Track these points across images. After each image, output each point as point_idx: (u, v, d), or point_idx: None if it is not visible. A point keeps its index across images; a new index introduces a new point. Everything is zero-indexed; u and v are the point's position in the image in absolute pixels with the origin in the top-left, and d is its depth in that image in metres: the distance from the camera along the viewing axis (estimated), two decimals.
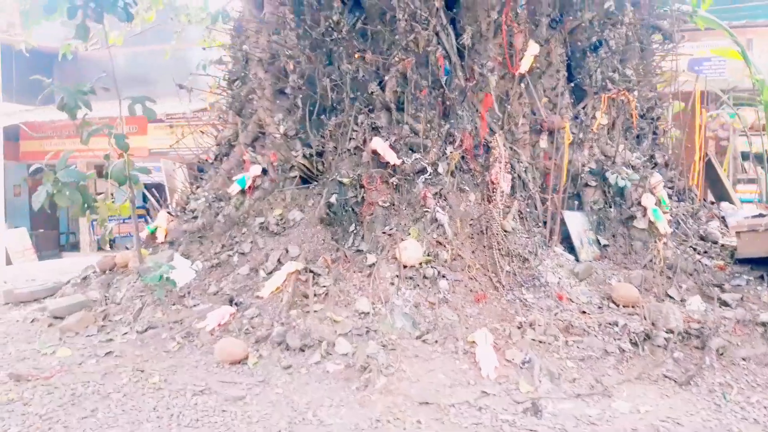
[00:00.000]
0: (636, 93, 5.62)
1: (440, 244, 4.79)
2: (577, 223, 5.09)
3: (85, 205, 5.34)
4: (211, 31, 9.29)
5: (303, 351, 4.00)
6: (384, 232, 4.99)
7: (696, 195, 5.92)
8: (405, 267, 4.62)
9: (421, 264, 4.62)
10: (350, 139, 5.46)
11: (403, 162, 5.03)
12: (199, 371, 3.91)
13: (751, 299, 4.45)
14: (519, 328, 4.05)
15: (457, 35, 5.46)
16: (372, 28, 5.58)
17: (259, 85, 6.19)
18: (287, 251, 5.23)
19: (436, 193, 4.94)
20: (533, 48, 5.36)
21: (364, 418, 3.18)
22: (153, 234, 6.35)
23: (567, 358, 3.76)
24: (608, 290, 4.59)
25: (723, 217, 5.86)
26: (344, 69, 5.58)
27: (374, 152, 5.18)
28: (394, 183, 5.11)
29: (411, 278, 4.61)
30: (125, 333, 4.69)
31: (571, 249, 5.05)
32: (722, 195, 6.59)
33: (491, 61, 5.35)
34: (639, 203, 5.08)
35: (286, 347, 4.04)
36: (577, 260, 4.94)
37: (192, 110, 11.57)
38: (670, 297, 4.55)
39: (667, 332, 3.80)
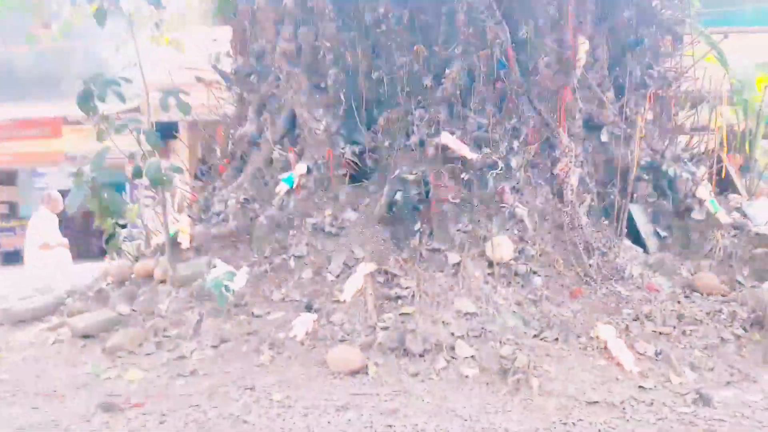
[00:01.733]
0: (673, 89, 5.83)
1: (522, 240, 4.71)
2: (641, 216, 5.19)
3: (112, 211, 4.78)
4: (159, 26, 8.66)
5: (422, 356, 3.77)
6: (459, 230, 4.83)
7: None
8: (495, 264, 4.50)
9: (510, 261, 4.51)
10: (410, 134, 5.24)
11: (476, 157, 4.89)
12: (317, 384, 3.58)
13: None
14: (635, 320, 4.05)
15: (510, 30, 5.39)
16: (425, 20, 5.40)
17: (292, 79, 5.82)
18: (353, 252, 4.94)
19: (513, 188, 4.85)
20: (584, 44, 5.41)
21: (541, 421, 3.03)
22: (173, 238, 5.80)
23: (692, 347, 3.80)
24: (684, 280, 4.70)
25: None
26: (398, 62, 5.36)
27: (441, 147, 5.01)
28: (465, 179, 4.96)
29: (503, 276, 4.49)
30: (194, 349, 4.22)
31: (635, 241, 5.13)
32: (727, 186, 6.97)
33: (548, 55, 5.34)
34: (693, 195, 5.26)
35: (404, 353, 3.78)
36: (646, 252, 5.03)
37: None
38: (740, 283, 4.72)
39: None
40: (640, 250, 5.02)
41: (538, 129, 5.18)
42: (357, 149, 5.48)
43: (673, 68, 6.03)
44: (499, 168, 4.93)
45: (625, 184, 5.14)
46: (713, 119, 6.48)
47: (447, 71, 5.20)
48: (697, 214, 5.17)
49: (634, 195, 5.42)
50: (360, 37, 5.63)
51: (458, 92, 5.17)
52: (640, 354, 3.69)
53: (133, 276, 5.63)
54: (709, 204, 5.14)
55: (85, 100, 4.95)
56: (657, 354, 3.68)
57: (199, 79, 6.60)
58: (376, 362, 3.75)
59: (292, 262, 5.03)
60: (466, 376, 3.52)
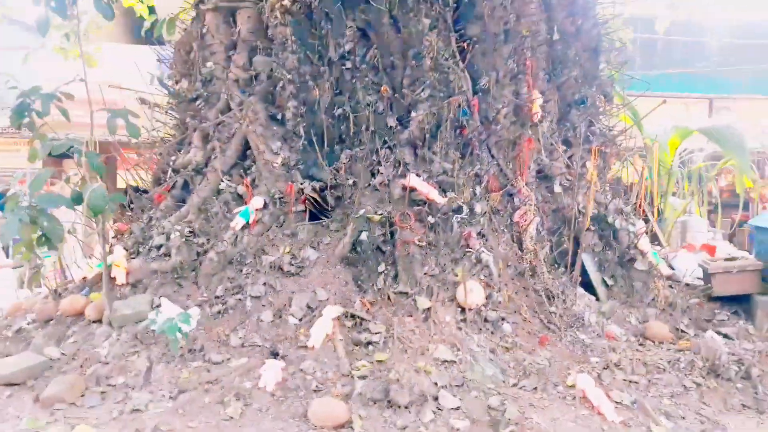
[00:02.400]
0: (614, 145, 6.22)
1: (489, 285, 4.73)
2: (591, 264, 5.40)
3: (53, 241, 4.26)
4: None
5: (407, 408, 3.62)
6: (427, 273, 4.77)
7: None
8: (464, 310, 4.48)
9: (481, 307, 4.51)
10: (375, 173, 5.16)
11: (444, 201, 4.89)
12: None
13: (742, 332, 5.11)
14: (605, 368, 4.15)
15: (472, 78, 5.52)
16: (390, 61, 5.40)
17: (246, 108, 5.57)
18: (315, 294, 4.72)
19: (479, 233, 4.89)
20: (539, 98, 5.65)
21: None
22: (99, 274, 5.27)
23: (661, 396, 3.95)
24: (634, 328, 4.93)
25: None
26: (362, 100, 5.30)
27: (405, 188, 4.96)
28: (430, 222, 4.93)
29: (474, 322, 4.47)
30: (149, 401, 3.78)
31: (586, 289, 5.33)
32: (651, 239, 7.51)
33: (505, 107, 5.51)
34: (635, 247, 5.57)
35: (388, 404, 3.61)
36: (597, 299, 5.23)
37: None
38: (683, 332, 5.03)
39: (734, 364, 4.20)
40: (593, 297, 5.20)
41: (496, 177, 5.29)
42: (317, 185, 5.31)
43: (612, 126, 6.45)
44: (464, 213, 4.96)
45: (576, 233, 5.34)
46: (637, 175, 6.97)
47: (413, 114, 5.21)
48: (639, 265, 5.47)
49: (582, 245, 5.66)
50: (322, 71, 5.53)
51: (424, 136, 5.17)
52: (617, 403, 3.77)
53: (58, 314, 5.02)
54: (651, 256, 5.47)
55: (20, 115, 4.41)
56: (633, 403, 3.78)
57: (143, 101, 6.14)
58: (360, 415, 3.55)
59: (248, 303, 4.72)
60: (457, 429, 3.41)
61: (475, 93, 5.45)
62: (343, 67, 5.46)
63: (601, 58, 6.37)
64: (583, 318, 4.78)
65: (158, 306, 4.70)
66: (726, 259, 5.69)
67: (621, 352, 4.36)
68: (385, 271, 4.90)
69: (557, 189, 5.54)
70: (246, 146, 5.76)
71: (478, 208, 4.98)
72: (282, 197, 5.32)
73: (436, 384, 3.76)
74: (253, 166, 5.71)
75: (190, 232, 5.36)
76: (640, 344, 4.70)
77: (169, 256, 5.26)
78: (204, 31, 6.20)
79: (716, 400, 3.97)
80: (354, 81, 5.38)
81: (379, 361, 4.09)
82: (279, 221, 5.32)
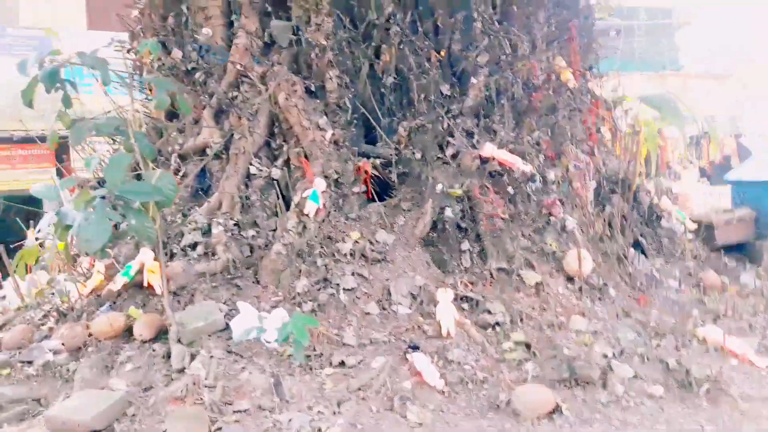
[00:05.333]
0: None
1: None
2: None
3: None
4: None
5: (593, 384, 3.45)
6: (517, 246, 4.59)
7: None
8: (571, 279, 4.41)
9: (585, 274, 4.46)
10: (443, 145, 4.82)
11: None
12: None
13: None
14: (716, 319, 4.35)
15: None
16: (433, 25, 5.06)
17: (281, 80, 4.87)
18: (414, 279, 4.33)
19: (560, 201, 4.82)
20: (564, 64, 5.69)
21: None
22: (130, 282, 4.35)
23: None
24: (689, 280, 5.23)
25: None
26: (414, 68, 4.91)
27: (482, 159, 4.73)
28: (510, 193, 4.76)
29: (580, 290, 4.42)
30: (311, 420, 3.18)
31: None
32: None
33: (543, 74, 5.45)
34: (656, 206, 5.90)
35: (575, 382, 3.42)
36: (645, 256, 5.46)
37: None
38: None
39: None
40: (642, 255, 5.42)
41: (550, 143, 5.25)
42: (377, 162, 4.84)
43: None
44: (538, 181, 4.86)
45: (624, 196, 5.50)
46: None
47: (473, 80, 4.94)
48: (665, 223, 5.81)
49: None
50: (357, 37, 5.03)
51: (485, 103, 4.95)
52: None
53: (90, 338, 4.03)
54: (676, 213, 5.83)
55: (52, 79, 3.39)
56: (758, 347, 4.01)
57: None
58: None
59: (343, 297, 4.18)
60: (659, 396, 3.35)
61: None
62: (386, 31, 4.99)
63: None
64: (655, 276, 4.96)
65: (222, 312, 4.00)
66: (726, 211, 6.27)
67: (714, 304, 4.59)
68: (470, 249, 4.63)
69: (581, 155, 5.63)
70: (272, 123, 5.07)
71: (551, 176, 4.90)
72: (337, 178, 4.76)
73: (605, 356, 3.65)
74: (284, 145, 5.05)
75: (235, 224, 4.61)
76: (705, 294, 4.99)
77: (213, 254, 4.48)
78: None
79: None
80: (401, 46, 4.95)
81: (518, 342, 3.87)
82: (338, 204, 4.77)
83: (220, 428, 3.14)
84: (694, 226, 5.86)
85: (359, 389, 3.42)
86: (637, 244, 5.61)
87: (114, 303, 4.40)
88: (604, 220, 5.06)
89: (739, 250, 6.16)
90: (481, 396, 3.40)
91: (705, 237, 6.10)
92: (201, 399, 3.32)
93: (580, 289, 4.35)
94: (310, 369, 3.60)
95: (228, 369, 3.59)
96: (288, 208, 4.74)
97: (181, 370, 3.64)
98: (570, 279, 4.46)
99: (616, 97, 6.44)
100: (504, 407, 3.26)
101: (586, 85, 6.14)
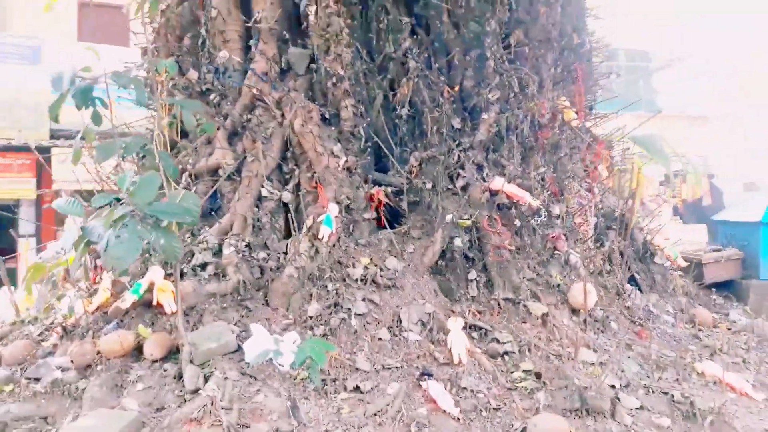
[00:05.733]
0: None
1: None
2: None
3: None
4: None
5: (602, 414, 3.55)
6: (523, 278, 4.71)
7: None
8: (583, 312, 4.53)
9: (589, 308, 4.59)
10: (454, 177, 4.95)
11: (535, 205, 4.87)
12: None
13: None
14: (713, 354, 4.50)
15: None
16: (447, 61, 5.24)
17: (298, 106, 4.97)
18: (423, 306, 4.40)
19: (564, 236, 4.97)
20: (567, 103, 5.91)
21: None
22: (139, 300, 4.34)
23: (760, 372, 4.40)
24: (682, 316, 5.40)
25: None
26: (428, 101, 5.07)
27: (491, 192, 4.87)
28: (516, 226, 4.89)
29: (584, 322, 4.54)
30: None
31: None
32: None
33: (548, 113, 5.65)
34: (650, 243, 6.09)
35: (587, 412, 3.51)
36: (641, 291, 5.62)
37: None
38: (721, 317, 5.62)
39: None
40: (636, 290, 5.59)
41: (554, 180, 5.42)
42: (391, 190, 4.95)
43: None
44: (543, 216, 5.01)
45: (623, 234, 5.68)
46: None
47: (484, 116, 5.10)
48: (658, 259, 6.00)
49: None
50: (377, 69, 5.18)
51: (494, 138, 5.11)
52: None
53: (98, 356, 4.00)
54: (669, 251, 6.03)
55: (85, 97, 3.44)
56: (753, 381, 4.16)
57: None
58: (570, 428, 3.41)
59: (354, 322, 4.23)
60: (667, 427, 3.46)
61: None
62: (402, 65, 5.15)
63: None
64: (652, 311, 5.11)
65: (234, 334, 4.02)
66: (714, 250, 6.51)
67: (710, 339, 4.75)
68: (477, 278, 4.74)
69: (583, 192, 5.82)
70: (286, 148, 5.16)
71: (556, 210, 5.05)
72: (349, 204, 4.85)
73: (613, 387, 3.75)
74: (296, 170, 5.13)
75: (246, 246, 4.65)
76: (699, 329, 5.16)
77: (224, 275, 4.51)
78: (213, 15, 5.39)
79: None
80: (417, 80, 5.10)
81: (527, 371, 3.96)
82: (348, 230, 4.84)
83: None
84: (685, 264, 6.06)
85: (375, 414, 3.46)
86: (632, 280, 5.78)
87: (121, 321, 4.38)
88: (604, 255, 5.22)
89: (726, 287, 6.38)
90: (495, 423, 3.46)
91: (695, 274, 6.31)
92: (219, 421, 3.33)
93: (585, 321, 4.47)
94: (326, 393, 3.63)
95: (243, 391, 3.60)
96: (297, 231, 4.80)
97: (195, 391, 3.64)
98: (574, 311, 4.58)
99: (611, 136, 6.68)
100: None
101: (584, 124, 6.38)
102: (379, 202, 4.85)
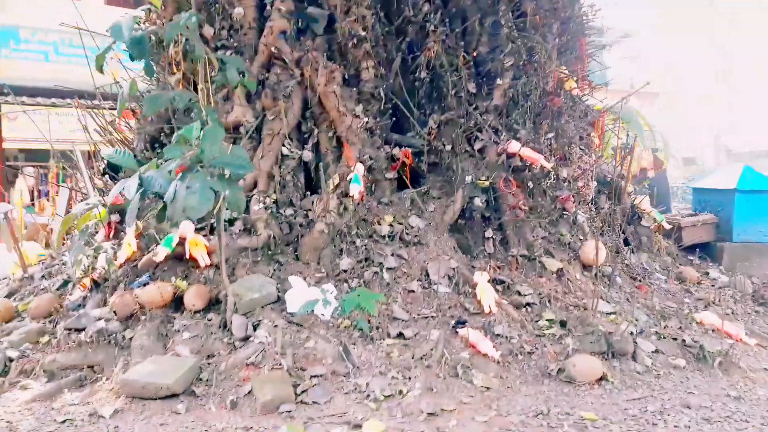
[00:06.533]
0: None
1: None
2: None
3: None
4: None
5: (624, 356, 3.89)
6: (536, 237, 5.00)
7: None
8: (595, 267, 4.84)
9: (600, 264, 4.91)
10: (471, 139, 5.15)
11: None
12: (580, 400, 3.40)
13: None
14: (707, 306, 4.93)
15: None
16: (464, 27, 5.39)
17: (319, 65, 5.02)
18: (449, 261, 4.62)
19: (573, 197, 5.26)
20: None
21: None
22: (171, 253, 4.39)
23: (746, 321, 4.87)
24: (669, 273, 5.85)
25: None
26: (446, 65, 5.21)
27: (507, 155, 5.10)
28: (529, 187, 5.16)
29: (595, 276, 4.87)
30: (405, 386, 3.42)
31: None
32: None
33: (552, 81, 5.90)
34: (637, 207, 6.50)
35: (612, 355, 3.85)
36: (632, 251, 6.02)
37: None
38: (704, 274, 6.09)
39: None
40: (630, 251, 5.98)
41: (560, 145, 5.69)
42: (413, 151, 5.10)
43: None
44: (552, 178, 5.29)
45: (618, 197, 6.04)
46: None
47: (498, 81, 5.30)
48: (645, 222, 6.42)
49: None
50: (395, 31, 5.27)
51: (507, 102, 5.32)
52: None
53: (138, 307, 4.05)
54: (655, 213, 6.45)
55: (141, 45, 3.43)
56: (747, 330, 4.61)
57: None
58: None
59: (386, 275, 4.42)
60: (682, 367, 3.83)
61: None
62: (421, 29, 5.26)
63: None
64: (646, 268, 5.52)
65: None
66: (690, 215, 7.00)
67: (701, 293, 5.19)
68: (493, 236, 4.99)
69: (585, 157, 6.15)
70: (305, 107, 5.22)
71: (563, 173, 5.34)
72: (371, 164, 4.99)
73: (631, 333, 4.10)
74: (315, 129, 5.21)
75: (273, 202, 4.73)
76: (686, 285, 5.60)
77: (252, 231, 4.59)
78: None
79: None
80: (434, 44, 5.23)
81: (550, 320, 4.26)
82: (370, 189, 4.99)
83: (305, 390, 3.32)
84: (668, 226, 6.51)
85: (421, 358, 3.68)
86: (625, 240, 6.18)
87: (153, 273, 4.42)
88: (602, 217, 5.57)
89: (700, 249, 6.89)
90: (531, 365, 3.75)
91: (675, 237, 6.78)
92: (279, 365, 3.48)
93: (596, 275, 4.80)
94: (371, 339, 3.82)
95: (293, 338, 3.75)
96: (320, 189, 4.92)
97: (245, 339, 3.77)
98: (584, 267, 4.90)
99: (599, 107, 7.02)
100: (555, 375, 3.63)
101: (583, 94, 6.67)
102: (409, 162, 5.00)
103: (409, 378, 3.48)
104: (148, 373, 3.37)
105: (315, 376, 3.46)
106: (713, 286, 5.66)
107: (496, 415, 3.15)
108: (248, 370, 3.51)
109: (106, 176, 5.70)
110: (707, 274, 5.98)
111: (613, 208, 5.74)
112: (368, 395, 3.30)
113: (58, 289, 4.78)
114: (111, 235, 5.00)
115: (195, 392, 3.36)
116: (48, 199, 12.04)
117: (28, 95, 11.68)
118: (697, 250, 6.63)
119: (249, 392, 3.32)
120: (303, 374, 3.48)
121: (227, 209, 3.70)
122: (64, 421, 3.13)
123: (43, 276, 5.14)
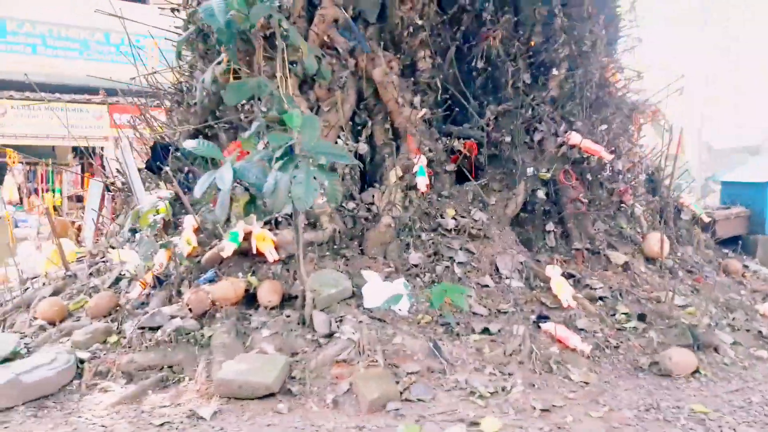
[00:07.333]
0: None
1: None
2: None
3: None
4: None
5: (709, 348, 3.87)
6: (597, 230, 4.96)
7: None
8: (659, 260, 4.82)
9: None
10: (530, 131, 5.08)
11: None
12: (681, 393, 3.36)
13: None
14: (765, 298, 4.94)
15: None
16: (517, 18, 5.32)
17: (376, 55, 4.90)
18: (514, 256, 4.56)
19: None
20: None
21: None
22: (238, 248, 4.25)
23: None
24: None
25: None
26: (503, 55, 5.14)
27: (568, 146, 5.04)
28: (588, 179, 5.12)
29: (660, 268, 4.85)
30: (489, 381, 3.34)
31: None
32: None
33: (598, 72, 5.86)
34: (678, 201, 6.50)
35: (698, 348, 3.81)
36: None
37: None
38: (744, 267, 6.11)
39: None
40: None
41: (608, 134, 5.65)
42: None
43: None
44: (608, 170, 5.25)
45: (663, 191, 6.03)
46: None
47: (554, 72, 5.24)
48: (684, 215, 6.44)
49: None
50: (449, 21, 5.18)
51: (563, 93, 5.27)
52: None
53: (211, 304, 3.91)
54: (694, 207, 6.47)
55: (231, 34, 3.28)
56: None
57: None
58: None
59: (457, 269, 4.34)
60: (766, 358, 3.83)
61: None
62: (476, 18, 5.18)
63: None
64: (696, 261, 5.53)
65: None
66: (722, 208, 7.04)
67: (755, 285, 5.21)
68: (554, 230, 4.95)
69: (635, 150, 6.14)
70: (360, 99, 5.10)
71: (619, 166, 5.31)
72: (430, 156, 4.89)
73: (709, 325, 4.08)
74: (369, 121, 5.10)
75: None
76: (733, 277, 5.62)
77: (315, 225, 4.48)
78: None
79: None
80: (496, 33, 5.14)
81: (626, 314, 4.22)
82: (430, 182, 4.89)
83: (407, 387, 3.22)
84: (707, 219, 6.54)
85: (512, 354, 3.61)
86: None
87: (219, 269, 4.27)
88: (654, 210, 5.56)
89: (733, 242, 6.94)
90: (621, 359, 3.71)
91: (710, 231, 6.82)
92: (375, 361, 3.38)
93: (661, 267, 4.78)
94: (457, 335, 3.74)
95: (380, 333, 3.65)
96: (370, 182, 4.83)
97: (329, 336, 3.66)
98: (647, 259, 4.88)
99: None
100: (648, 369, 3.60)
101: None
102: (474, 153, 4.91)
103: (509, 374, 3.40)
104: (245, 371, 3.24)
105: (411, 373, 3.36)
106: (758, 278, 5.69)
107: (609, 410, 3.09)
108: (341, 367, 3.40)
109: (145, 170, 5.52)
110: (746, 266, 6.01)
111: (666, 201, 5.71)
112: (471, 392, 3.22)
113: (110, 287, 4.60)
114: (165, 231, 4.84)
115: (292, 391, 3.24)
116: (38, 196, 11.72)
117: (15, 89, 11.31)
118: (738, 242, 6.66)
119: (347, 390, 3.21)
120: (398, 371, 3.38)
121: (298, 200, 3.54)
122: (162, 424, 2.99)
123: (90, 273, 4.93)
